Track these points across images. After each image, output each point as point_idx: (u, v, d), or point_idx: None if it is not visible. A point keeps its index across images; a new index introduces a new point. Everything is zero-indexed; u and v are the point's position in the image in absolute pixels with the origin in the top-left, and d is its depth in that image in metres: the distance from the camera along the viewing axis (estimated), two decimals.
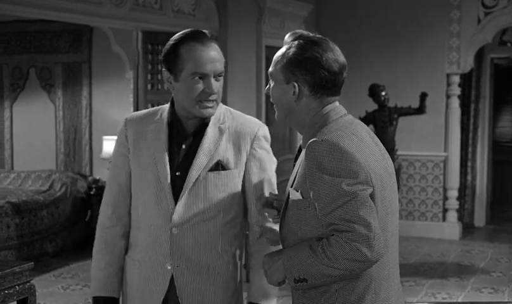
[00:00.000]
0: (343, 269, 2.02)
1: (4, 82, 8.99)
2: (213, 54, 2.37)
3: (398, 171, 8.66)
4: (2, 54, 8.97)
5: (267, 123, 7.60)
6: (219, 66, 2.38)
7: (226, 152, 2.46)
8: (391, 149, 8.55)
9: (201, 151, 2.44)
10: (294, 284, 2.10)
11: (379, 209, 2.08)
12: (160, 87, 6.74)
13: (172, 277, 2.46)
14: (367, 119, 8.57)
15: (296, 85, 2.14)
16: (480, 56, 9.29)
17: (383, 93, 8.46)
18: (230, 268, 2.51)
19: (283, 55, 2.16)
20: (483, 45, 8.96)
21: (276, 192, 2.51)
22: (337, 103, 2.20)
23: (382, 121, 8.48)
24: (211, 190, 2.44)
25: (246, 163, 2.48)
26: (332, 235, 2.04)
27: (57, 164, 8.79)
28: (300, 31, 2.21)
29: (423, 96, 8.44)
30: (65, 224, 7.86)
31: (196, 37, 2.38)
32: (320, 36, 2.18)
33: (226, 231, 2.48)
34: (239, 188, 2.49)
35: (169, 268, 2.46)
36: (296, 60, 2.12)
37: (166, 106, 2.52)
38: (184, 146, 2.47)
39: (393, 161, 8.57)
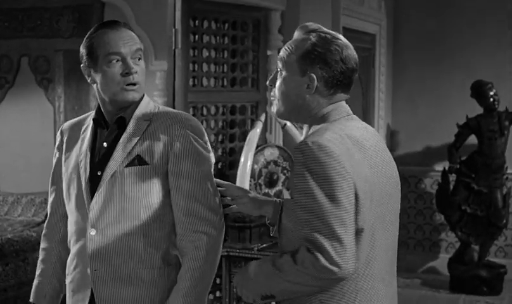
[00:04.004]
0: (311, 285, 2.06)
1: None
2: (125, 35, 2.43)
3: (507, 197, 6.72)
4: None
5: None
6: (134, 47, 2.41)
7: (149, 146, 2.41)
8: (500, 167, 6.68)
9: (119, 145, 2.43)
10: (261, 300, 2.18)
11: (365, 219, 2.06)
12: (206, 82, 4.74)
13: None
14: (468, 127, 6.80)
15: (314, 78, 2.15)
16: None
17: (492, 93, 6.73)
18: (155, 274, 2.42)
19: (301, 45, 2.16)
20: None
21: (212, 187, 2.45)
22: (343, 103, 2.21)
23: (489, 131, 6.67)
24: (129, 187, 2.39)
25: (170, 157, 2.40)
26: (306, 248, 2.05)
27: None
28: (313, 24, 2.21)
29: None
30: None
31: (106, 24, 2.47)
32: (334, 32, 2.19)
33: (150, 232, 2.41)
34: (163, 184, 2.41)
35: (88, 272, 2.44)
36: (317, 52, 2.13)
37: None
38: (105, 144, 2.48)
39: (502, 184, 6.66)
